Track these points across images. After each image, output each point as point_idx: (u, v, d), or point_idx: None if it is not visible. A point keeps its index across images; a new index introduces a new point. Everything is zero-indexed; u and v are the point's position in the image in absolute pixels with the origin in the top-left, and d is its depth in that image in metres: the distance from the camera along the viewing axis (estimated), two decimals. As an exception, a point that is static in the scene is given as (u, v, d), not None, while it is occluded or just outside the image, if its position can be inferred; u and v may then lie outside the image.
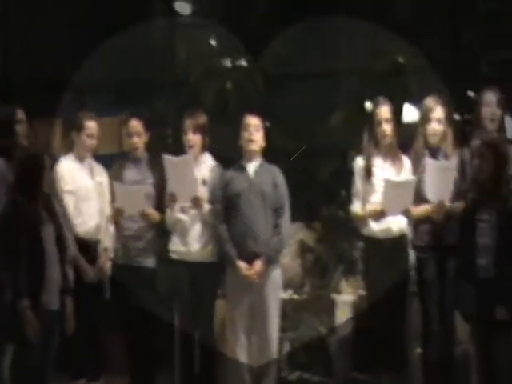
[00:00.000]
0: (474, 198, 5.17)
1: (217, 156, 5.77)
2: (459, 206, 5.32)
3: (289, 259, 6.35)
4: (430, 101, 5.56)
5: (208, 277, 5.58)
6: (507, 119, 7.46)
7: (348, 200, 5.72)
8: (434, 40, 7.39)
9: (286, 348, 5.99)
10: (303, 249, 6.51)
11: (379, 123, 5.52)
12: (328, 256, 6.48)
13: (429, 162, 5.39)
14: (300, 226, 6.58)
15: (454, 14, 7.56)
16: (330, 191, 6.71)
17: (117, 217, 5.64)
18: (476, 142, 5.44)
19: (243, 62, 7.20)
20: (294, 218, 5.98)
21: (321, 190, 6.87)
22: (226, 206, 5.53)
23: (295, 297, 6.26)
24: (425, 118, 5.54)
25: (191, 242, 5.60)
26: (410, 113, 6.81)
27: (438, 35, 7.38)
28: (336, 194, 6.49)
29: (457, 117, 6.87)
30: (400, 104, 6.89)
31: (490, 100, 5.57)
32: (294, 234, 6.38)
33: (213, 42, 7.50)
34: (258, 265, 5.42)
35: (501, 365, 5.05)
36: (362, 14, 7.11)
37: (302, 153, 6.94)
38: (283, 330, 5.82)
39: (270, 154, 5.72)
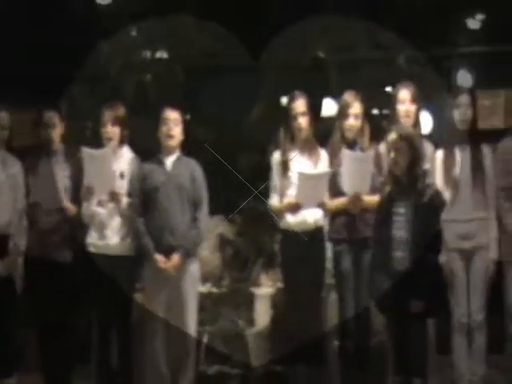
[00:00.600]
0: (390, 191, 5.21)
1: (137, 149, 5.73)
2: (375, 198, 5.37)
3: (208, 252, 6.35)
4: (348, 96, 5.62)
5: (126, 270, 5.52)
6: (423, 114, 7.66)
7: (267, 193, 5.74)
8: (355, 35, 7.49)
9: (205, 341, 5.99)
10: (223, 242, 6.52)
11: (295, 117, 5.56)
12: (248, 249, 6.50)
13: (345, 153, 5.43)
14: (220, 219, 6.59)
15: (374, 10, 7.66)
16: (250, 185, 6.73)
17: (32, 210, 5.55)
18: (392, 137, 5.51)
19: (164, 55, 7.14)
20: (214, 211, 5.99)
21: (241, 183, 6.89)
22: (144, 200, 5.49)
23: (214, 290, 6.26)
24: (342, 113, 5.59)
25: (109, 235, 5.54)
26: (330, 107, 6.88)
27: (358, 31, 7.47)
28: (256, 188, 6.50)
29: (375, 111, 7.01)
30: (319, 98, 6.97)
31: (404, 96, 5.66)
32: (213, 227, 6.39)
33: (134, 34, 7.43)
34: (176, 258, 5.40)
35: (415, 356, 5.13)
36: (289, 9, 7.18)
37: (222, 146, 6.95)
38: (202, 323, 5.81)
39: (191, 146, 5.71)
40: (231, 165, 6.94)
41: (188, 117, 6.12)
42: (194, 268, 5.52)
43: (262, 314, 6.09)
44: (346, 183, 5.43)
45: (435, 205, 5.11)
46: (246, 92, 7.41)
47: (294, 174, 5.50)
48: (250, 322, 6.10)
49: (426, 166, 5.39)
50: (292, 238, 5.53)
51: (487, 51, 7.79)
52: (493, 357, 5.72)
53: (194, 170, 5.57)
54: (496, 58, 7.75)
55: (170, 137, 5.53)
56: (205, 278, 6.03)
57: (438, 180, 5.58)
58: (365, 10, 7.52)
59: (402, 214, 5.08)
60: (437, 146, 5.73)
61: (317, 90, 6.90)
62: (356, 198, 5.40)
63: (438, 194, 5.17)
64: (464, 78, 7.83)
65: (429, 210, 5.07)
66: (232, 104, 7.41)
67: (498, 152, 5.63)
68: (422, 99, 5.85)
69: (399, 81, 5.90)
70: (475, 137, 5.66)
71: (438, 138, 5.92)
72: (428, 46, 7.71)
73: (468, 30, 7.91)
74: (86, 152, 5.44)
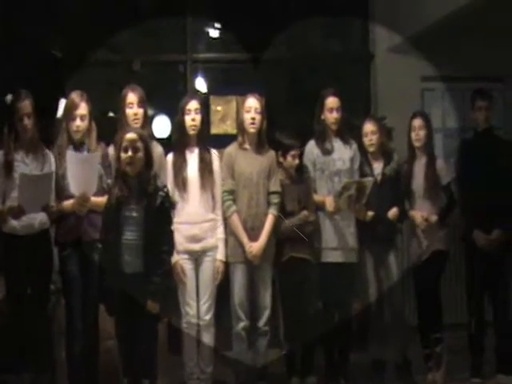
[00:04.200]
0: (120, 194, 5.10)
1: None
2: (103, 200, 5.26)
3: None
4: (74, 96, 5.50)
5: None
6: (161, 118, 7.77)
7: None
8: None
9: None
10: None
11: (20, 118, 5.36)
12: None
13: (70, 154, 5.33)
14: None
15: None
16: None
17: None
18: (128, 137, 5.34)
19: None
20: None
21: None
22: None
23: None
24: (68, 114, 5.47)
25: None
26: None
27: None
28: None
29: (111, 114, 6.98)
30: (55, 98, 6.84)
31: (131, 99, 5.67)
32: None
33: None
34: None
35: (144, 357, 5.15)
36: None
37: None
38: None
39: None
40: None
41: None
42: None
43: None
44: (72, 185, 5.31)
45: (166, 207, 5.13)
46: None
47: (18, 175, 5.27)
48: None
49: (156, 168, 5.42)
50: (16, 242, 5.31)
51: (223, 58, 8.05)
52: (222, 353, 5.91)
53: None
54: (230, 65, 8.04)
55: None
56: None
57: (169, 183, 5.65)
58: (106, 13, 7.50)
59: (131, 217, 5.04)
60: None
61: (51, 91, 6.78)
62: (82, 200, 5.30)
63: (167, 197, 5.18)
64: (199, 83, 8.02)
65: (160, 213, 5.08)
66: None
67: (224, 156, 5.82)
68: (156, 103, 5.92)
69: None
70: (204, 141, 5.80)
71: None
72: (164, 52, 7.87)
73: (206, 37, 8.14)
74: None
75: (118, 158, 5.16)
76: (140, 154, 5.10)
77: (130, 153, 5.08)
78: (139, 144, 5.11)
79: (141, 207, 5.06)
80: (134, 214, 5.05)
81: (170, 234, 5.17)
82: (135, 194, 5.10)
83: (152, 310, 5.01)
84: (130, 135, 5.14)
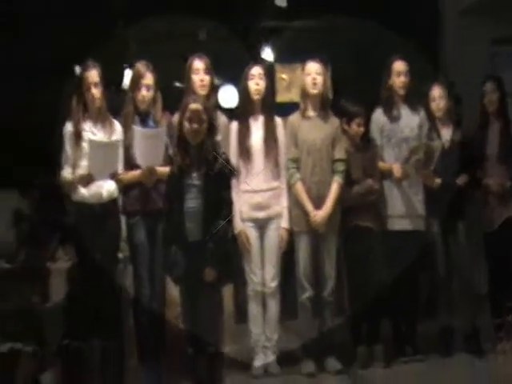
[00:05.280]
0: (181, 163, 5.08)
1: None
2: (167, 169, 5.25)
3: (3, 229, 6.15)
4: (140, 67, 5.53)
5: None
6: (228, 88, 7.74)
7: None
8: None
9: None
10: (18, 218, 6.32)
11: (88, 87, 5.42)
12: (44, 224, 6.33)
13: (136, 130, 5.36)
14: (15, 194, 6.39)
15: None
16: (45, 158, 6.54)
17: None
18: (192, 107, 5.37)
19: None
20: (8, 185, 5.79)
21: (36, 156, 6.69)
22: None
23: (7, 266, 6.07)
24: (134, 84, 5.52)
25: None
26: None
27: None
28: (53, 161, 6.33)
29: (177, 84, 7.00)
30: (120, 69, 6.90)
31: (198, 66, 5.68)
32: (8, 202, 6.19)
33: None
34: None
35: (209, 325, 5.17)
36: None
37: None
38: (-7, 300, 5.63)
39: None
40: (25, 136, 6.73)
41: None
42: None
43: (58, 289, 5.97)
44: (139, 158, 5.36)
45: (225, 173, 5.09)
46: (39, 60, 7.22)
47: (87, 144, 5.35)
48: (45, 297, 5.96)
49: (219, 137, 5.42)
50: (86, 210, 5.40)
51: (289, 27, 7.99)
52: (287, 322, 5.91)
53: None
54: (297, 33, 7.97)
55: None
56: (-2, 255, 5.85)
57: (233, 151, 5.65)
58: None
59: (193, 185, 5.03)
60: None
61: (117, 62, 6.85)
62: (149, 172, 5.35)
63: (227, 163, 5.14)
64: (266, 52, 7.98)
65: (219, 179, 5.05)
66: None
67: (287, 125, 5.78)
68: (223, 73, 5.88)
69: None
70: (269, 109, 5.76)
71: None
72: (231, 21, 7.85)
73: (272, 6, 8.07)
74: None
75: (181, 125, 5.13)
76: (204, 126, 5.08)
77: (194, 125, 5.05)
78: (204, 116, 5.08)
79: (201, 174, 5.04)
80: (196, 182, 5.04)
81: (228, 200, 5.12)
82: (196, 161, 5.07)
83: (208, 277, 4.97)
84: (195, 106, 5.09)
